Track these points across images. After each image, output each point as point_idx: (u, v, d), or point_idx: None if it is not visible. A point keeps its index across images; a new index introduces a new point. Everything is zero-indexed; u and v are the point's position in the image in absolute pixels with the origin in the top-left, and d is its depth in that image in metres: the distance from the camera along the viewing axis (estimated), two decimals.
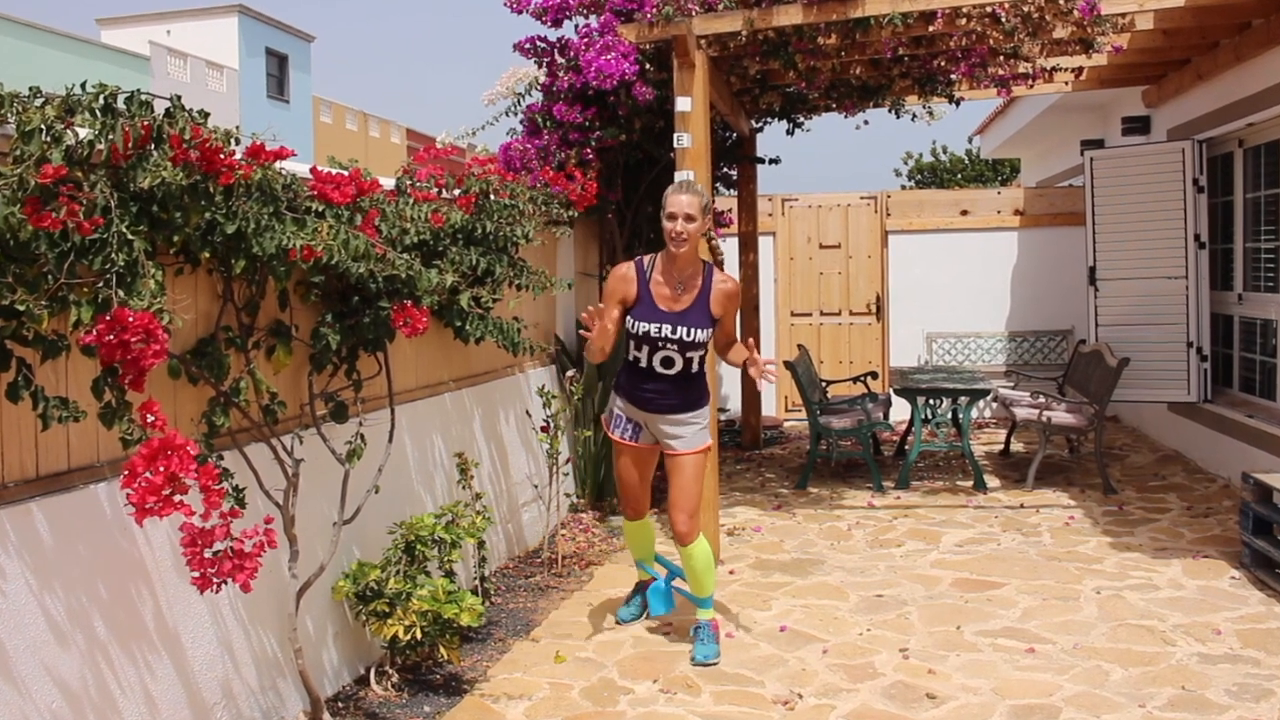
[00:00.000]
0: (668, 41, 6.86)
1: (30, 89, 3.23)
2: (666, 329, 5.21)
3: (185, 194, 3.52)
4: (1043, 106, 13.24)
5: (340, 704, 4.79)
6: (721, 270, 5.46)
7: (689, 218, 5.17)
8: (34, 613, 3.32)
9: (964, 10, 6.79)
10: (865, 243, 12.78)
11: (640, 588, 5.90)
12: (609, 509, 8.00)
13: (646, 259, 5.40)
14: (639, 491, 5.58)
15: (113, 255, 3.20)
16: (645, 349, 5.29)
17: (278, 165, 3.96)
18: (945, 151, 33.92)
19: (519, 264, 6.08)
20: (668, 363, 5.28)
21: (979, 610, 5.90)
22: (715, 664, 5.22)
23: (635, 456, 5.51)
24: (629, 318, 5.29)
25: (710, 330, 5.29)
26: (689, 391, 5.36)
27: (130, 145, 3.34)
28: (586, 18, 7.71)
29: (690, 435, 5.37)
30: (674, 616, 5.77)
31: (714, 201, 8.72)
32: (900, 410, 10.80)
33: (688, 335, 5.21)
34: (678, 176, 6.73)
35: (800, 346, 10.56)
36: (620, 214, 8.70)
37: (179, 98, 3.57)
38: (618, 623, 5.75)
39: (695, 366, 5.33)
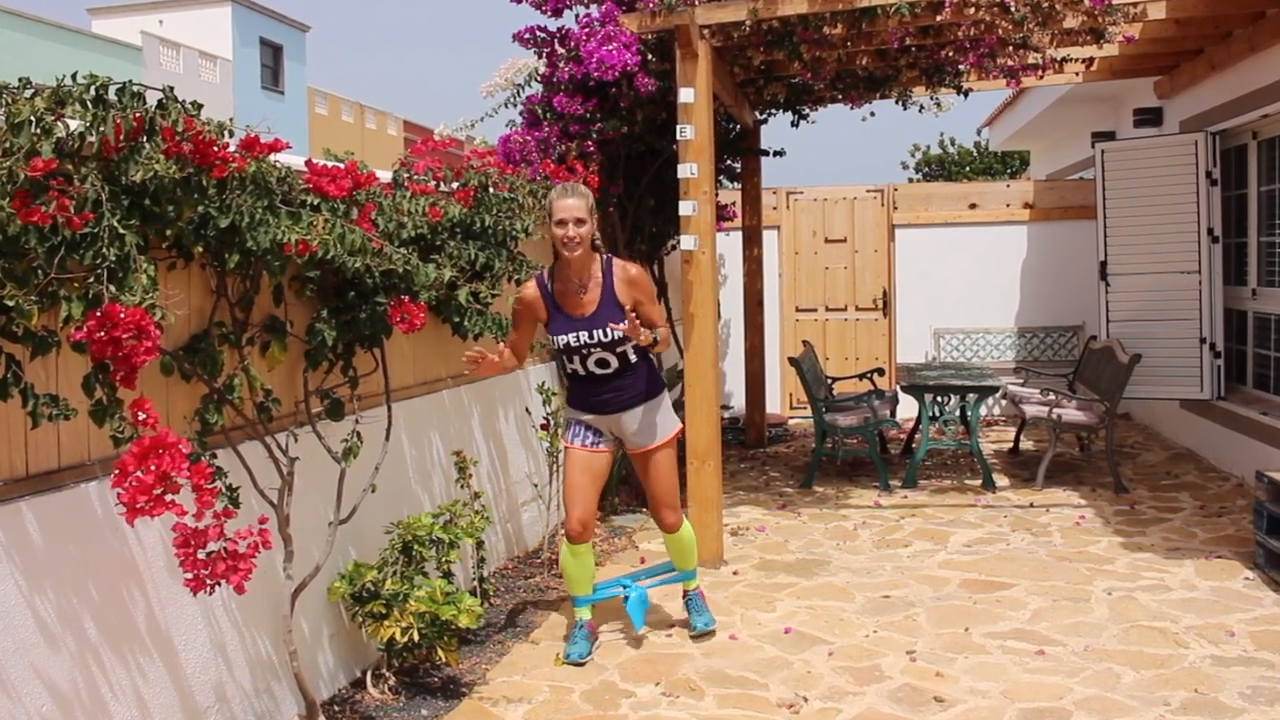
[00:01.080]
0: (670, 31, 6.85)
1: (20, 80, 3.22)
2: (583, 335, 5.27)
3: (178, 187, 3.52)
4: (1053, 98, 13.23)
5: (336, 707, 4.79)
6: (618, 258, 5.46)
7: (579, 221, 5.20)
8: (23, 614, 3.31)
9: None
10: (872, 237, 12.77)
11: (583, 625, 5.54)
12: (610, 508, 8.01)
13: (545, 272, 5.45)
14: (592, 502, 5.51)
15: (104, 250, 3.20)
16: (576, 359, 5.37)
17: (272, 158, 3.95)
18: (953, 144, 33.86)
19: (518, 258, 6.08)
20: (603, 364, 5.35)
21: (988, 612, 5.90)
22: (714, 628, 5.61)
23: (589, 464, 5.47)
24: (549, 335, 5.38)
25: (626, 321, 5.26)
26: (640, 381, 5.42)
27: (122, 138, 3.34)
28: (587, 7, 7.71)
29: (657, 425, 5.45)
30: (672, 617, 5.77)
31: (717, 194, 8.72)
32: (907, 407, 10.78)
33: (604, 335, 5.25)
34: (681, 169, 6.74)
35: (805, 343, 10.56)
36: (622, 208, 8.69)
37: (172, 89, 3.57)
38: (564, 661, 5.32)
39: (633, 357, 5.37)
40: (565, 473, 5.51)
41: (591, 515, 5.50)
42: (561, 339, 5.30)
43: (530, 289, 5.42)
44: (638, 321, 5.12)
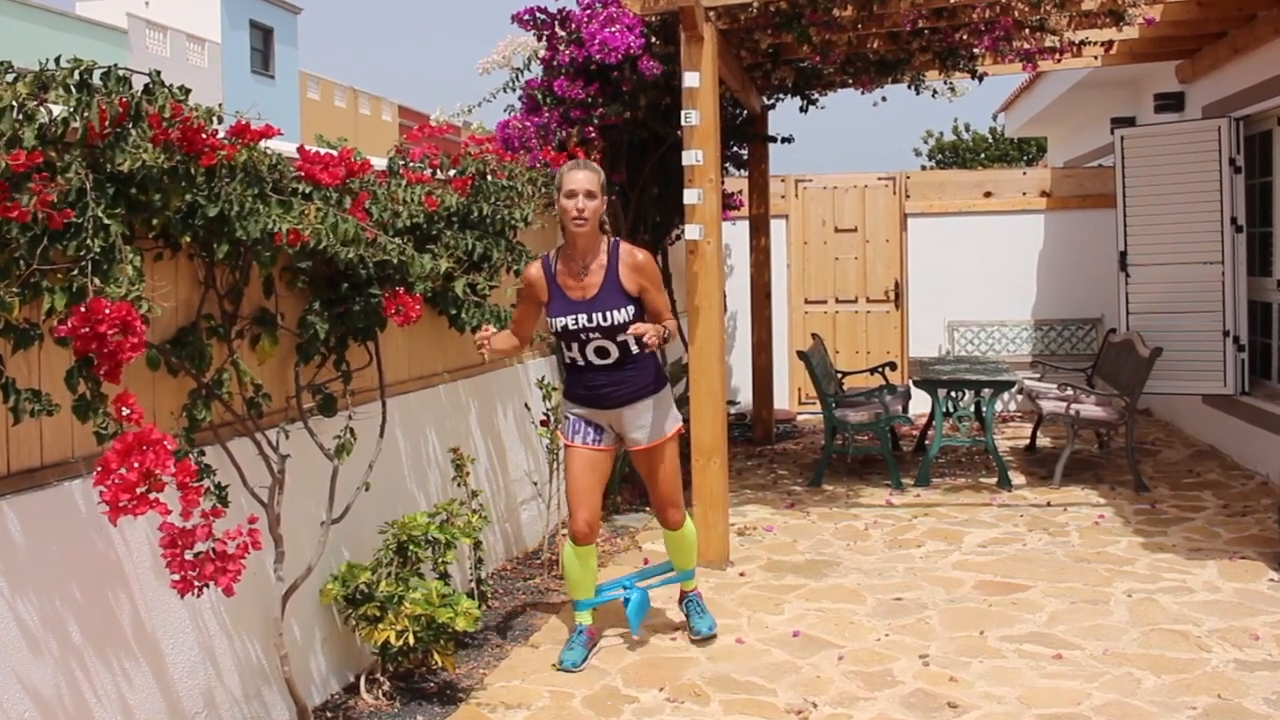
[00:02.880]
0: (675, 13, 6.83)
1: (1, 64, 3.21)
2: (582, 318, 5.23)
3: (165, 175, 3.52)
4: (1071, 82, 13.20)
5: (329, 713, 4.79)
6: (625, 243, 5.44)
7: (589, 194, 5.19)
8: (4, 616, 3.31)
9: None
10: (883, 226, 12.75)
11: (582, 630, 5.53)
12: (612, 507, 8.01)
13: (551, 254, 5.43)
14: (596, 503, 5.49)
15: (88, 240, 3.20)
16: (575, 345, 5.32)
17: (263, 145, 3.95)
18: (968, 130, 33.89)
19: (517, 248, 6.07)
20: (602, 353, 5.30)
21: (1003, 614, 5.90)
22: (716, 631, 5.63)
23: (592, 462, 5.44)
24: (548, 318, 5.35)
25: (630, 308, 5.24)
26: (641, 375, 5.37)
27: (107, 124, 3.33)
28: None
29: (657, 423, 5.41)
30: (676, 620, 5.77)
31: (723, 181, 8.71)
32: (920, 403, 10.77)
33: (605, 320, 5.21)
34: (686, 156, 6.73)
35: (815, 336, 10.55)
36: (624, 195, 8.69)
37: (158, 73, 3.56)
38: (560, 668, 5.29)
39: (634, 348, 5.30)
40: (567, 472, 5.47)
41: (597, 516, 5.49)
42: (559, 321, 5.27)
43: (534, 268, 5.39)
44: (650, 335, 5.06)
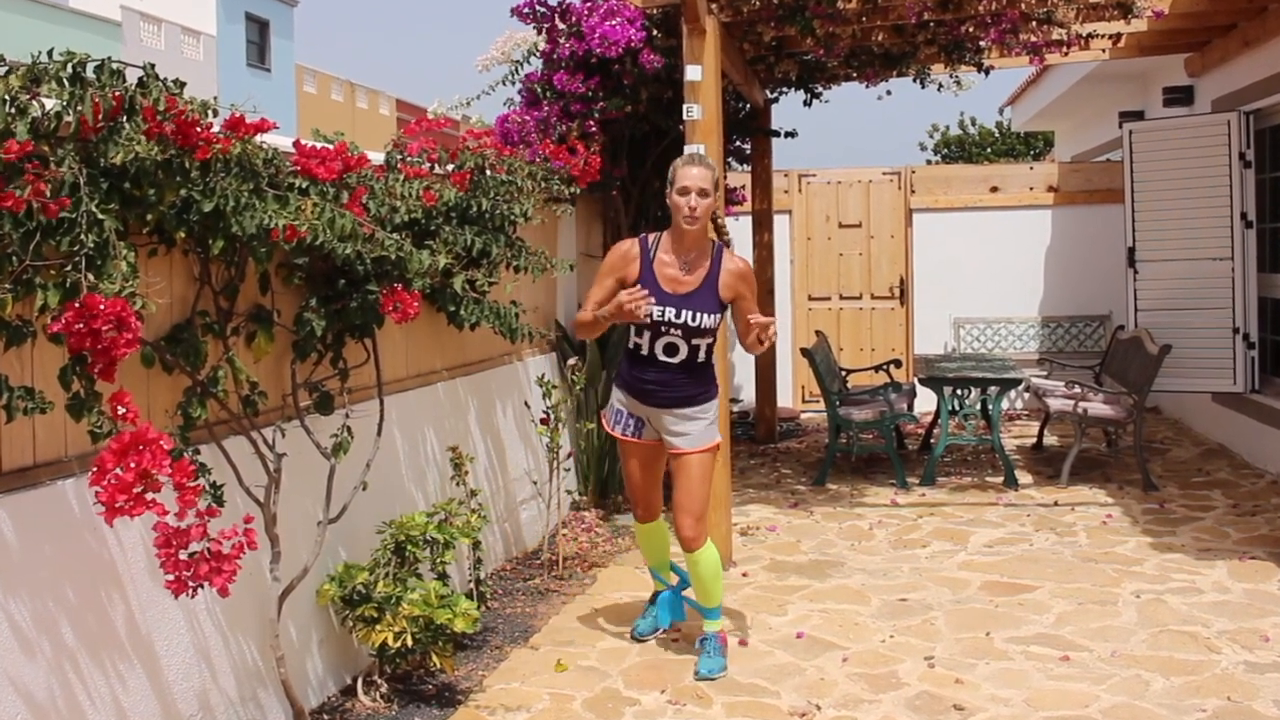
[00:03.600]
0: (676, 6, 6.83)
1: None
2: (670, 313, 5.14)
3: (159, 170, 3.51)
4: (1078, 76, 13.19)
5: (325, 716, 4.79)
6: (731, 250, 5.41)
7: (703, 193, 5.10)
8: None
9: None
10: (888, 222, 12.75)
11: (656, 598, 5.80)
12: (613, 507, 8.00)
13: (651, 237, 5.33)
14: (648, 491, 5.52)
15: (82, 235, 3.20)
16: (647, 335, 5.22)
17: (258, 139, 3.95)
18: (974, 124, 33.86)
19: (517, 244, 6.06)
20: (671, 350, 5.22)
21: (1010, 615, 5.90)
22: (720, 679, 5.18)
23: (641, 454, 5.45)
24: None
25: (718, 315, 5.21)
26: (694, 383, 5.27)
27: (100, 118, 3.33)
28: None
29: (696, 432, 5.28)
30: (684, 625, 5.77)
31: (725, 177, 8.71)
32: (926, 401, 10.76)
33: (693, 320, 5.14)
34: (687, 150, 6.72)
35: (818, 333, 10.55)
36: (625, 191, 8.68)
37: (153, 66, 3.55)
38: (633, 637, 5.66)
39: (702, 355, 5.26)
40: (624, 464, 5.57)
41: (657, 504, 5.60)
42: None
43: (630, 245, 5.30)
44: (771, 329, 4.98)
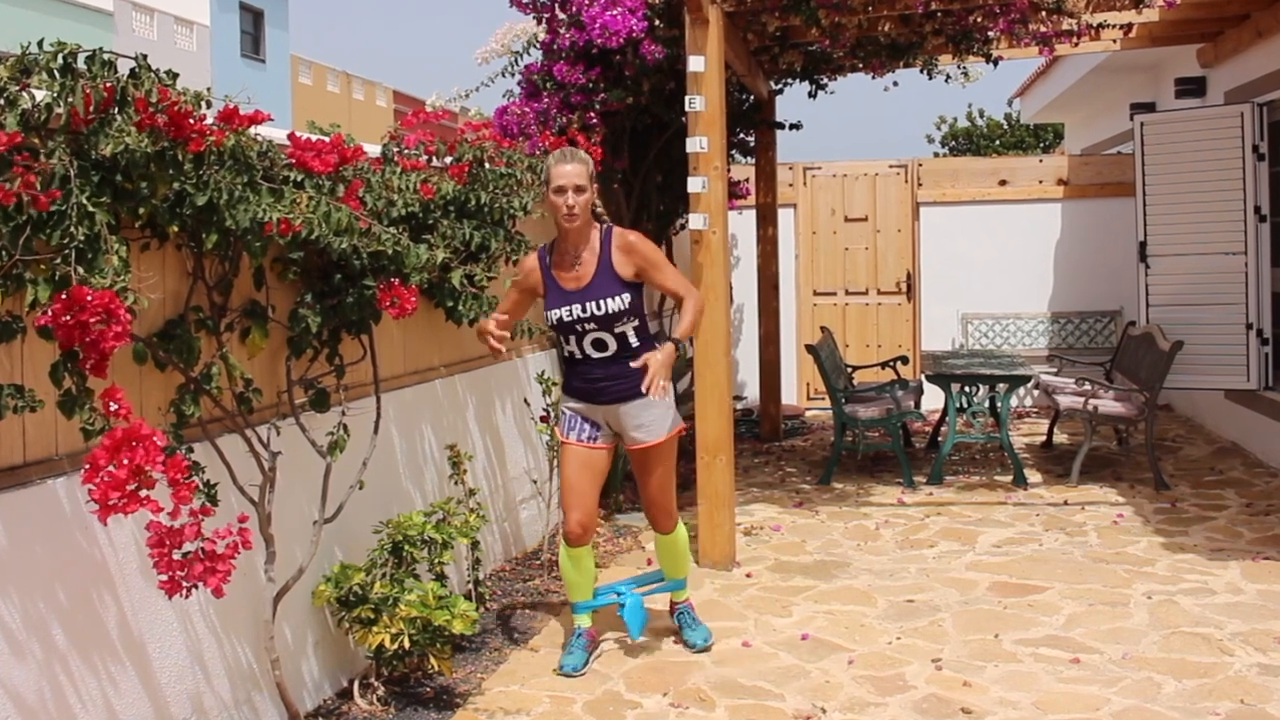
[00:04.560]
0: None
1: None
2: (576, 309, 5.22)
3: (151, 162, 3.51)
4: (1088, 67, 13.19)
5: (321, 719, 4.79)
6: (618, 228, 5.43)
7: (578, 189, 5.18)
8: None
9: None
10: (895, 215, 12.74)
11: (581, 633, 5.51)
12: (614, 506, 8.01)
13: (546, 246, 5.46)
14: (592, 503, 5.46)
15: (72, 229, 3.19)
16: (571, 338, 5.32)
17: (253, 131, 3.94)
18: (982, 116, 33.83)
19: (516, 238, 6.07)
20: (600, 345, 5.29)
21: (1019, 617, 5.89)
22: (713, 642, 5.52)
23: (588, 461, 5.42)
24: (545, 311, 5.35)
25: (626, 295, 5.23)
26: (640, 371, 5.24)
27: (92, 109, 3.33)
28: None
29: (657, 421, 5.36)
30: (671, 623, 5.77)
31: (729, 169, 8.70)
32: (933, 398, 10.77)
33: (599, 309, 5.20)
34: (690, 143, 6.72)
35: (824, 329, 10.55)
36: (627, 184, 8.68)
37: (145, 57, 3.55)
38: (560, 673, 5.30)
39: (634, 339, 5.30)
40: (562, 470, 5.45)
41: (592, 517, 5.46)
42: (554, 313, 5.26)
43: (531, 259, 5.43)
44: (656, 380, 5.00)
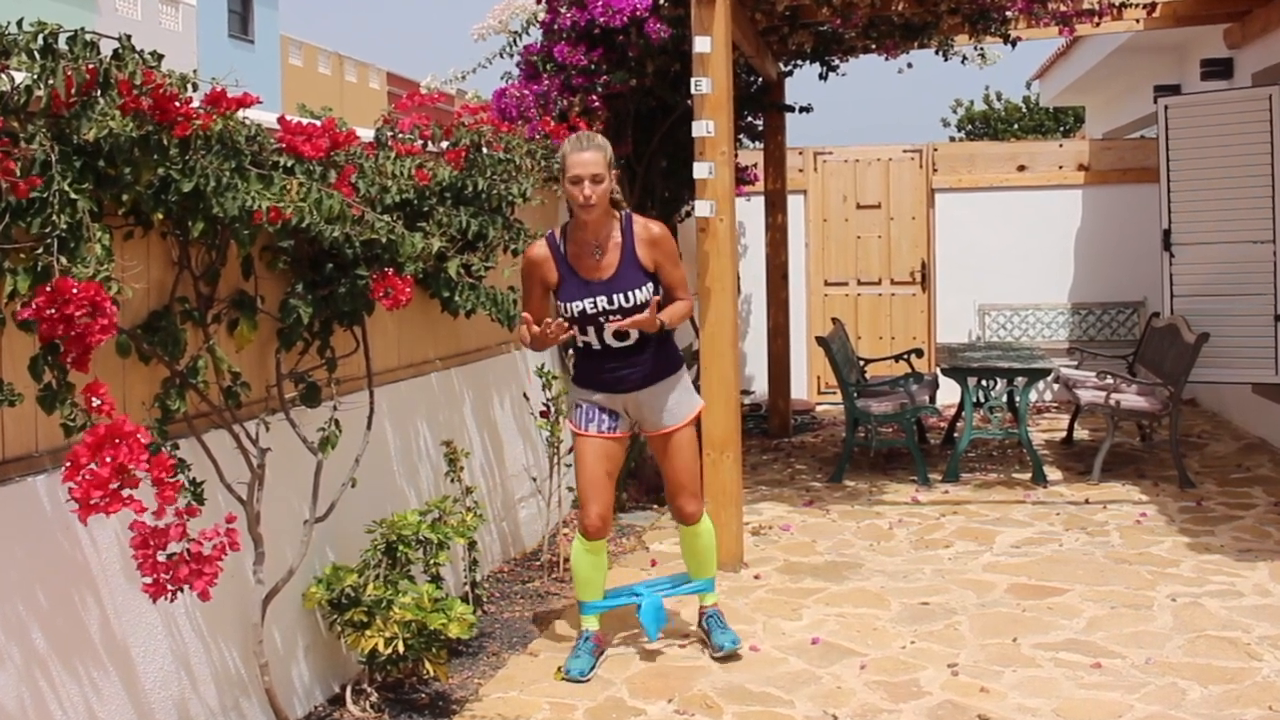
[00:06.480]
0: None
1: None
2: (601, 301, 5.22)
3: (136, 147, 3.50)
4: (1110, 48, 13.16)
5: None
6: (639, 216, 5.43)
7: (596, 178, 5.14)
8: None
9: None
10: (909, 202, 12.72)
11: (589, 636, 5.50)
12: (617, 505, 7.99)
13: (557, 232, 5.42)
14: (610, 495, 5.49)
15: (54, 217, 3.19)
16: (591, 329, 5.30)
17: (241, 114, 3.94)
18: (1000, 99, 33.80)
19: (515, 226, 6.06)
20: (621, 335, 5.29)
21: (1038, 620, 5.89)
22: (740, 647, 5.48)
23: (607, 451, 5.44)
24: (559, 302, 5.31)
25: (649, 285, 5.26)
26: (660, 355, 5.38)
27: (73, 92, 3.32)
28: None
29: (679, 403, 5.43)
30: (687, 626, 5.77)
31: (736, 154, 8.68)
32: (949, 393, 10.77)
33: (626, 301, 5.21)
34: (696, 127, 6.70)
35: (835, 320, 10.54)
36: (630, 169, 8.67)
37: (128, 37, 3.55)
38: (563, 676, 5.28)
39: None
40: (579, 462, 5.45)
41: (610, 509, 5.50)
42: (575, 305, 5.24)
43: (539, 248, 5.37)
44: (655, 314, 5.11)
